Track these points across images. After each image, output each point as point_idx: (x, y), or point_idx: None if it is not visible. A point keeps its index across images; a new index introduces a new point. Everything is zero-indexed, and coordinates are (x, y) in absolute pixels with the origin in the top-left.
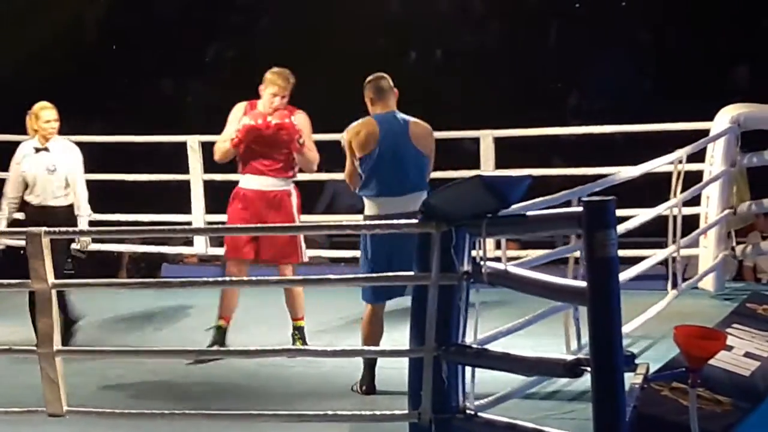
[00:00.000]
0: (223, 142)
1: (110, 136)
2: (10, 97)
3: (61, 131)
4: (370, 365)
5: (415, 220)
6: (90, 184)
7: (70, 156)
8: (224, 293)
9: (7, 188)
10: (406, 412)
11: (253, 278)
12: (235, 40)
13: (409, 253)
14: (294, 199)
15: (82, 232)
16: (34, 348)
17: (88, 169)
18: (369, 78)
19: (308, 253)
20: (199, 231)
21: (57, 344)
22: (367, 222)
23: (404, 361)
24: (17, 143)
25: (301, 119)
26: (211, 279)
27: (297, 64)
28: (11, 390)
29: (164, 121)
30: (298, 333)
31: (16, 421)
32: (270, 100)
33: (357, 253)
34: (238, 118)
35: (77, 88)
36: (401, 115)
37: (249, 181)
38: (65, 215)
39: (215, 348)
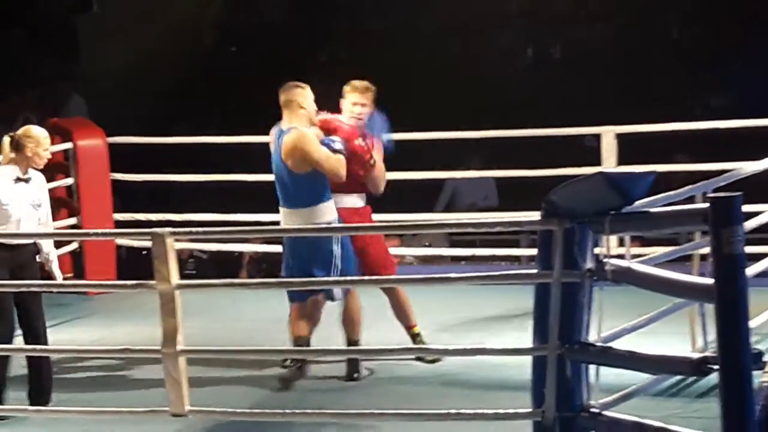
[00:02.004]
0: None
1: (228, 137)
2: (130, 100)
3: (181, 133)
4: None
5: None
6: (212, 184)
7: (45, 188)
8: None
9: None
10: (530, 410)
11: (393, 277)
12: (350, 40)
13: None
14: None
15: (206, 232)
16: (158, 348)
17: (211, 170)
18: (284, 86)
19: (430, 252)
20: (321, 230)
21: (180, 344)
22: (487, 220)
23: (526, 360)
24: (136, 145)
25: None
26: (332, 279)
27: (412, 62)
28: (134, 389)
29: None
30: (419, 339)
31: (139, 420)
32: (350, 109)
33: (477, 251)
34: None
35: (196, 91)
36: (287, 129)
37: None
38: (32, 254)
39: (336, 348)
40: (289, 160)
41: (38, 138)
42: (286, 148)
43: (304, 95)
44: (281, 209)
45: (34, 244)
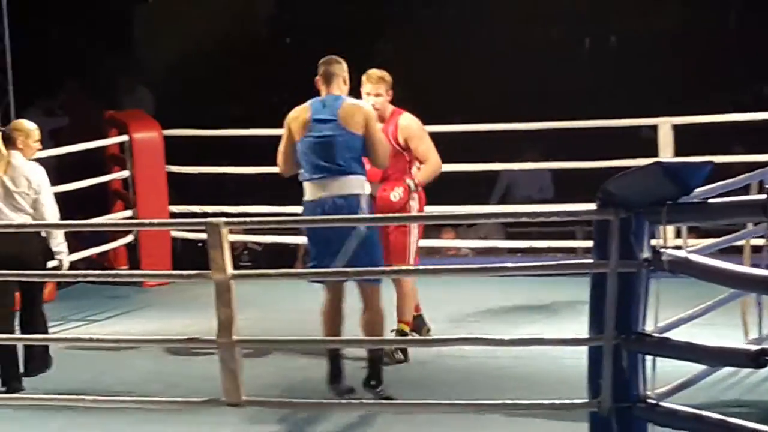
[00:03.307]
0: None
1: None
2: (183, 92)
3: (235, 125)
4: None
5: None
6: (266, 176)
7: None
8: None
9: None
10: (586, 401)
11: (450, 267)
12: (406, 30)
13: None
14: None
15: (260, 222)
16: (214, 338)
17: (265, 162)
18: (322, 59)
19: (486, 244)
20: (376, 220)
21: (236, 334)
22: (543, 211)
23: (582, 350)
24: (191, 138)
25: (405, 122)
26: (388, 269)
27: (467, 53)
28: (189, 379)
29: None
30: (403, 334)
31: (195, 410)
32: (365, 100)
33: (533, 243)
34: None
35: (250, 82)
36: (340, 98)
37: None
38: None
39: (399, 337)
40: (350, 122)
41: (27, 130)
42: (351, 110)
43: (345, 71)
44: (317, 183)
45: None
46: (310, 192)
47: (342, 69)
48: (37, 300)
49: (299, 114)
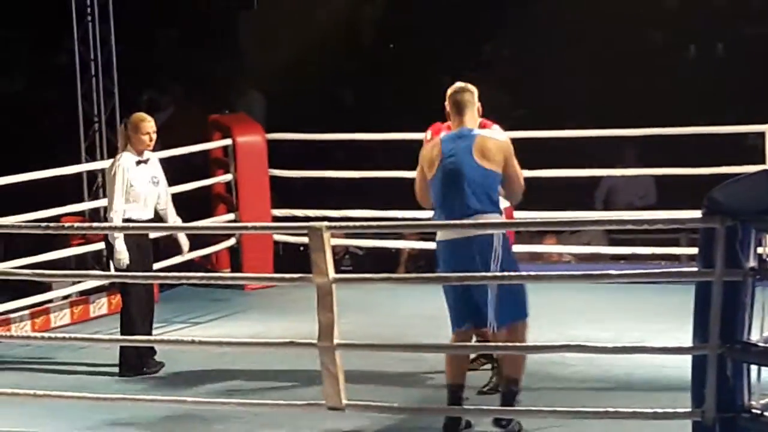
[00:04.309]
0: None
1: (386, 134)
2: (287, 96)
3: (342, 130)
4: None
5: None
6: (370, 180)
7: (160, 168)
8: None
9: (117, 204)
10: (689, 410)
11: (554, 273)
12: (511, 36)
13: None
14: None
15: (362, 226)
16: (315, 342)
17: (369, 166)
18: (450, 89)
19: (588, 250)
20: (485, 225)
21: (337, 338)
22: (649, 218)
23: (686, 359)
24: (294, 142)
25: None
26: (489, 274)
27: (572, 60)
28: (291, 383)
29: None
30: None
31: (296, 414)
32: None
33: (636, 249)
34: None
35: (355, 88)
36: (474, 131)
37: None
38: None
39: (492, 344)
40: (488, 158)
41: (134, 123)
42: (489, 145)
43: (477, 100)
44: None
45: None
46: (442, 231)
47: (474, 97)
48: (122, 302)
49: (428, 151)
